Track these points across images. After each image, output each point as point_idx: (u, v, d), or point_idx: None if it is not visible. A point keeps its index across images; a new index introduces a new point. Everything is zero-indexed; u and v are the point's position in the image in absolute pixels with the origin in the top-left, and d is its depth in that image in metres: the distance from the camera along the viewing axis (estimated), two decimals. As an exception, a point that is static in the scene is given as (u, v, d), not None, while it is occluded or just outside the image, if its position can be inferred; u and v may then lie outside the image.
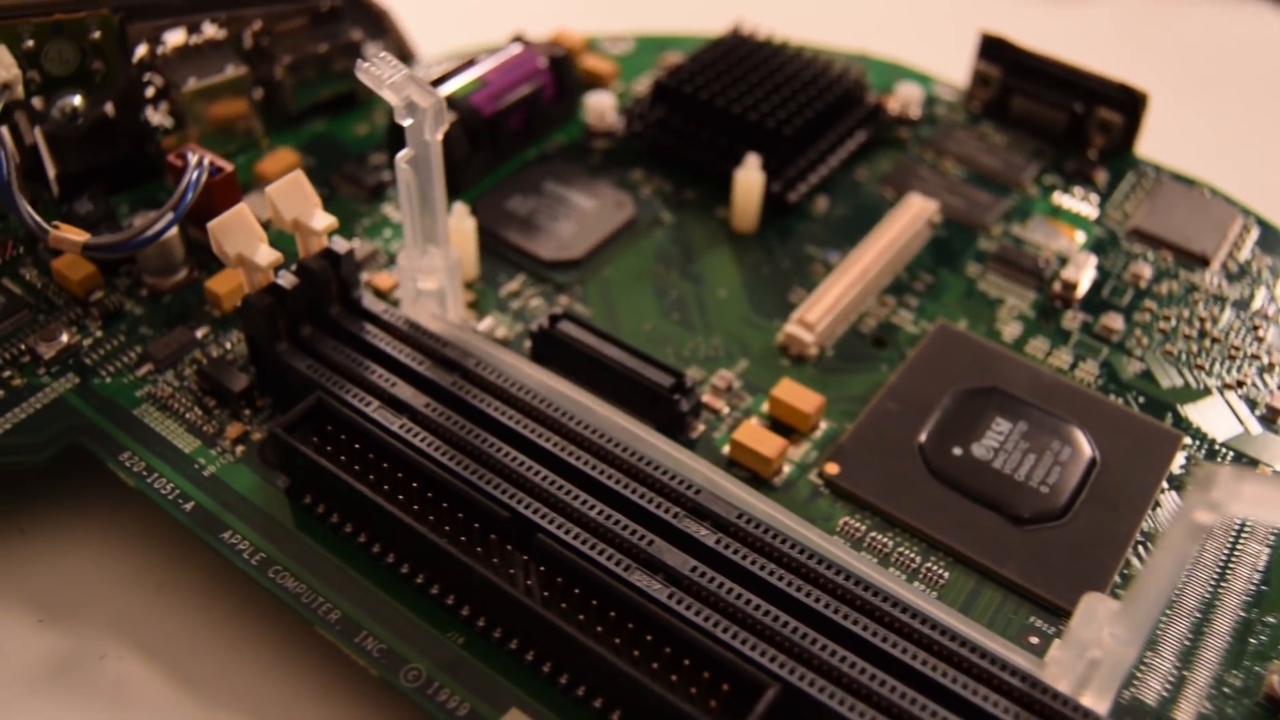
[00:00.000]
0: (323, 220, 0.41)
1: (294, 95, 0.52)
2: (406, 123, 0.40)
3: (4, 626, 0.39)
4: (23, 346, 0.43)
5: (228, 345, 0.44)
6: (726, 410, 0.42)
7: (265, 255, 0.40)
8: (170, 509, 0.39)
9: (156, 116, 0.51)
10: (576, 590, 0.35)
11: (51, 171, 0.49)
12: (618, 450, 0.39)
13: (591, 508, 0.37)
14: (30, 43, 0.46)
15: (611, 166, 0.52)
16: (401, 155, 0.40)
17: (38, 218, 0.42)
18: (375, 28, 0.55)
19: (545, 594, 0.35)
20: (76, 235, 0.42)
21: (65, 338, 0.43)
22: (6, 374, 0.43)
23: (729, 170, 0.50)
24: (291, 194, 0.41)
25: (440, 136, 0.40)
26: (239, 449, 0.41)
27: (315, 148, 0.53)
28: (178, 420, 0.41)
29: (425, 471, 0.37)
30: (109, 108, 0.50)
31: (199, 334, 0.44)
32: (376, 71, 0.39)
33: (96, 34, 0.47)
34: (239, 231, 0.40)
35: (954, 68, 0.59)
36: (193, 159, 0.44)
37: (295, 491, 0.39)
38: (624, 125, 0.53)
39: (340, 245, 0.42)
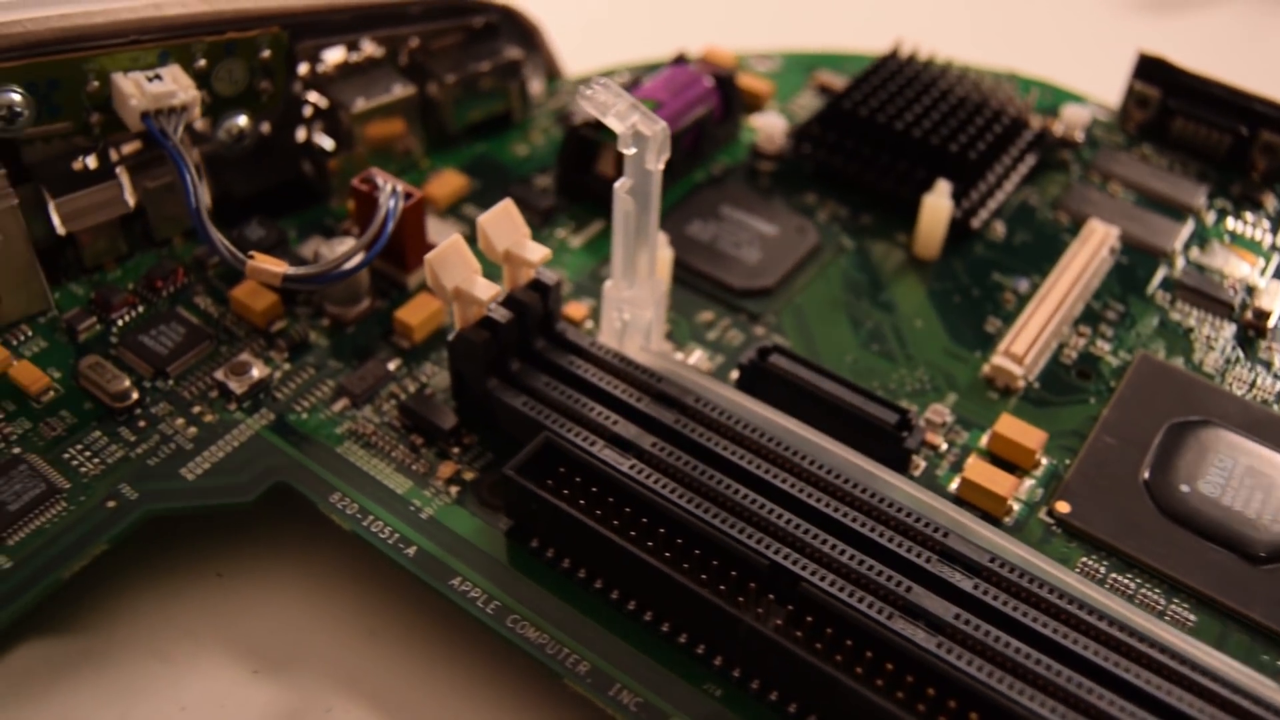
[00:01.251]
0: (537, 251, 0.40)
1: (454, 114, 0.51)
2: (630, 151, 0.38)
3: (220, 677, 0.37)
4: (210, 380, 0.42)
5: (422, 379, 0.42)
6: (945, 446, 0.41)
7: (484, 289, 0.39)
8: (393, 554, 0.37)
9: (315, 137, 0.49)
10: (849, 641, 0.34)
11: (208, 195, 0.47)
12: (857, 491, 0.38)
13: (842, 553, 0.36)
14: (202, 62, 0.44)
15: (780, 190, 0.51)
16: (621, 184, 0.39)
17: (232, 247, 0.41)
18: (527, 44, 0.53)
19: (818, 645, 0.34)
20: (275, 266, 0.40)
21: (256, 372, 0.41)
22: (196, 410, 0.41)
23: (908, 195, 0.49)
24: (503, 223, 0.40)
25: (662, 166, 0.39)
26: (453, 489, 0.39)
27: (476, 169, 0.51)
28: (384, 459, 0.40)
29: (675, 518, 0.36)
30: (264, 128, 0.48)
31: (391, 366, 0.43)
32: (600, 98, 0.38)
33: (266, 53, 0.46)
34: (456, 264, 0.39)
35: (1088, 83, 0.58)
36: (386, 186, 0.42)
37: (519, 534, 0.38)
38: (792, 147, 0.51)
39: (549, 276, 0.41)
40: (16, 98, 0.41)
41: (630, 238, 0.40)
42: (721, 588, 0.35)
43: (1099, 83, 0.58)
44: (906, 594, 0.35)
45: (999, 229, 0.50)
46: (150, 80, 0.42)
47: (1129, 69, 0.55)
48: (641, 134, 0.38)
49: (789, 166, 0.52)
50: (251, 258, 0.41)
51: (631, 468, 0.38)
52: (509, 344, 0.40)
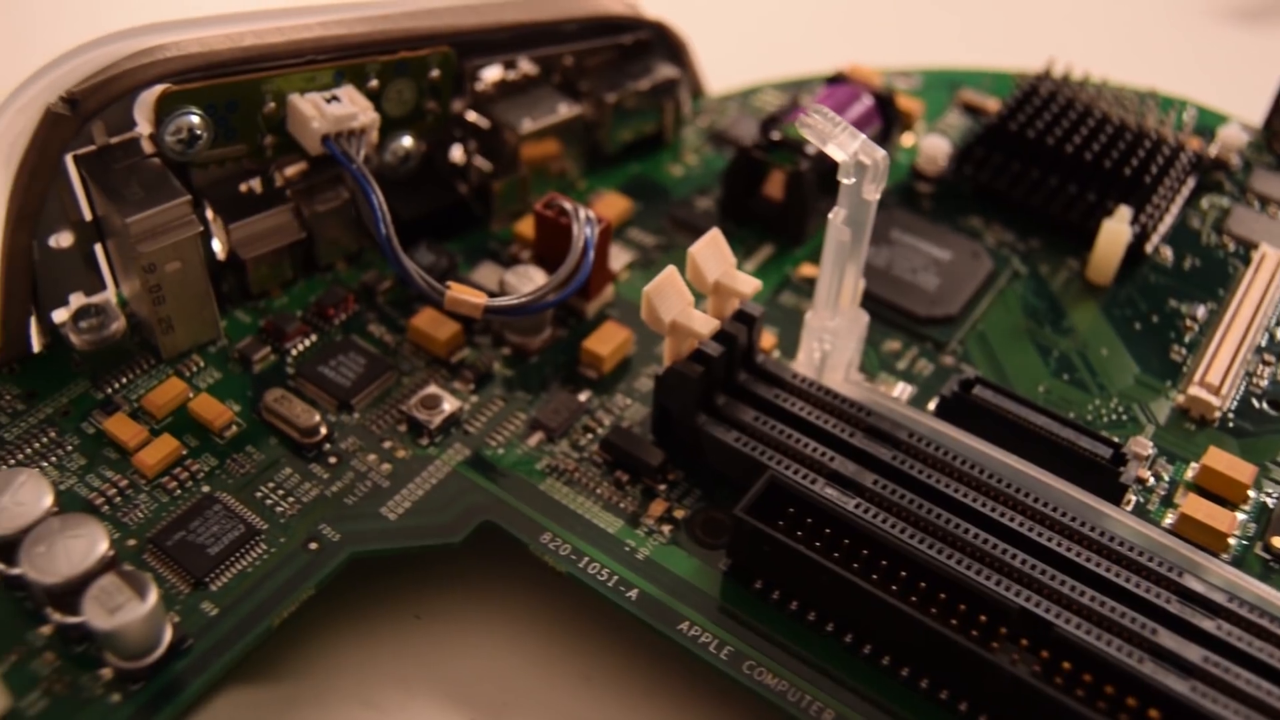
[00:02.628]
0: (748, 283, 0.39)
1: (610, 134, 0.50)
2: (849, 181, 0.37)
3: (436, 726, 0.36)
4: (397, 413, 0.40)
5: (616, 411, 0.41)
6: (1151, 479, 0.41)
7: (702, 322, 0.38)
8: (613, 597, 0.36)
9: (476, 158, 0.48)
10: (1108, 688, 0.33)
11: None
12: (1085, 529, 0.37)
13: (1082, 594, 0.35)
14: (374, 82, 0.43)
15: (942, 212, 0.50)
16: (836, 213, 0.38)
17: (428, 277, 0.39)
18: (676, 61, 0.52)
19: (1079, 692, 0.33)
20: (475, 297, 0.39)
21: (448, 405, 0.40)
22: (387, 445, 0.40)
23: (1078, 219, 0.48)
24: (711, 253, 0.39)
25: (879, 195, 0.38)
26: (665, 528, 0.38)
27: (633, 190, 0.50)
28: (590, 497, 0.39)
29: (918, 561, 0.35)
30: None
31: (581, 398, 0.41)
32: (821, 126, 0.37)
33: (435, 72, 0.44)
34: (672, 296, 0.38)
35: (1218, 100, 0.58)
36: (580, 213, 0.41)
37: (740, 574, 0.37)
38: (953, 169, 0.51)
39: (753, 308, 0.40)
40: (196, 120, 0.40)
41: (840, 268, 0.39)
42: (973, 633, 0.34)
43: (1228, 99, 0.58)
44: (1153, 636, 0.34)
45: (1166, 254, 0.49)
46: (328, 102, 0.41)
47: (1256, 83, 0.55)
48: (862, 163, 0.37)
49: (946, 188, 0.51)
50: (449, 288, 0.39)
51: (858, 506, 0.37)
52: (716, 377, 0.39)
